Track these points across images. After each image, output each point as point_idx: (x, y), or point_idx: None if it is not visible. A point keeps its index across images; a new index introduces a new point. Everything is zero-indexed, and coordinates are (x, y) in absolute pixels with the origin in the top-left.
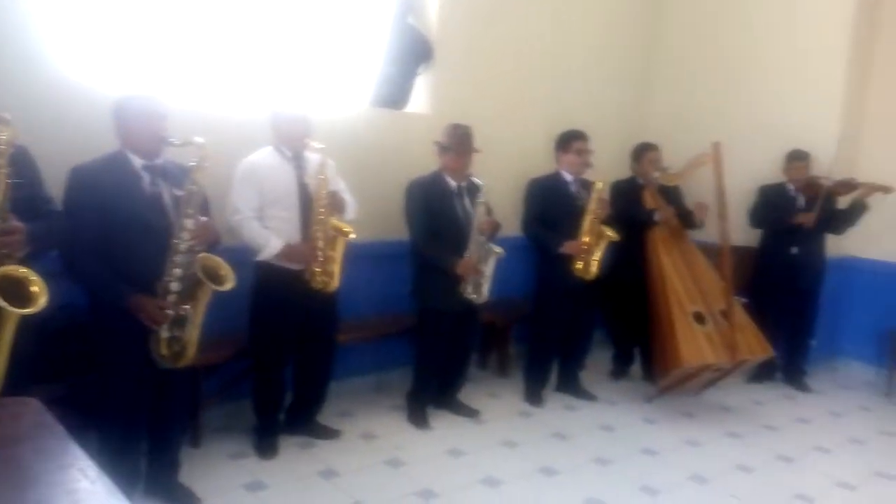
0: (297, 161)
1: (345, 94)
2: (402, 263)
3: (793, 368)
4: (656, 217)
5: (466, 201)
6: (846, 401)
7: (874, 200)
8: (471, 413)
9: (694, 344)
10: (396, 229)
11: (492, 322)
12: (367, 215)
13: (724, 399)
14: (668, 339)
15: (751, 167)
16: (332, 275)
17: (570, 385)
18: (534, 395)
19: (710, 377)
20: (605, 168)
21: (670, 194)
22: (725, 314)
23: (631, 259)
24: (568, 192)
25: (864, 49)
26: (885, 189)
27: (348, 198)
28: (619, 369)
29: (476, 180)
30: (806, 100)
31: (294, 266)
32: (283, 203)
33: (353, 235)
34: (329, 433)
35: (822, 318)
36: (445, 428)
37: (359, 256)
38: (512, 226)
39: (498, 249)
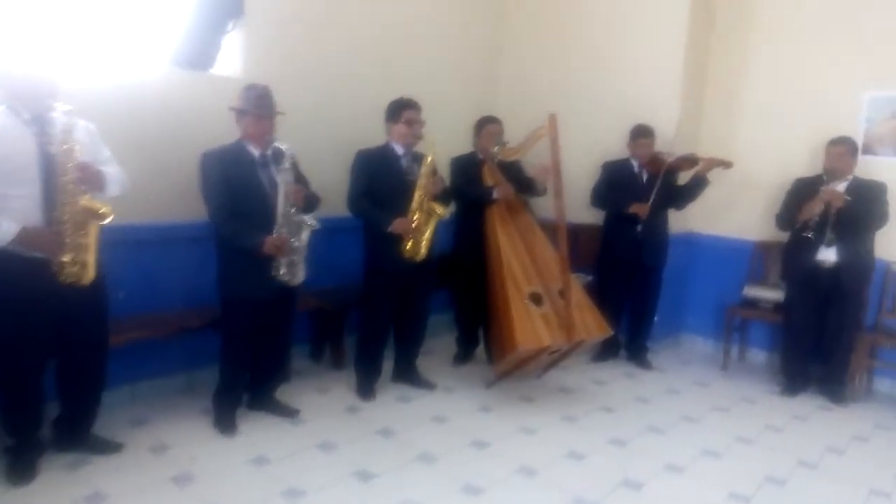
0: (39, 125)
1: (141, 52)
2: (209, 246)
3: (636, 346)
4: (495, 194)
5: (273, 171)
6: (685, 377)
7: (715, 176)
8: (289, 413)
9: (529, 326)
10: (199, 208)
11: (321, 309)
12: (161, 192)
13: (566, 380)
14: (504, 321)
15: (598, 143)
16: (85, 265)
17: (407, 374)
18: (365, 388)
19: (549, 359)
20: (451, 143)
21: (511, 170)
22: (563, 294)
23: (472, 237)
24: (398, 165)
25: (702, 25)
26: (725, 164)
27: (111, 170)
28: (464, 353)
29: (280, 146)
30: (649, 76)
31: (37, 254)
32: (19, 177)
33: (109, 218)
34: (108, 447)
35: (666, 295)
36: (256, 432)
37: (155, 241)
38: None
39: (311, 221)
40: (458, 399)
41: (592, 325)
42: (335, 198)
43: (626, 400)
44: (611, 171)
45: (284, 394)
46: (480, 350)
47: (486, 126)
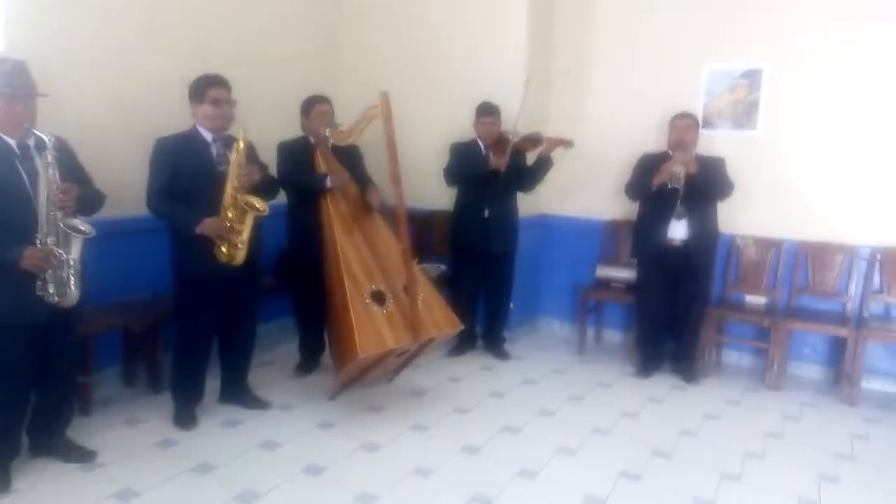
0: None
1: None
2: None
3: (492, 336)
4: (329, 182)
5: (38, 165)
6: (543, 365)
7: (563, 155)
8: (83, 456)
9: (371, 329)
10: None
11: (124, 327)
12: None
13: (419, 381)
14: (344, 325)
15: (446, 123)
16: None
17: (236, 393)
18: (183, 415)
19: (398, 361)
20: (285, 126)
21: (347, 155)
22: (408, 290)
23: (308, 231)
24: (207, 154)
25: (545, 2)
26: (566, 143)
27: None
28: (308, 361)
29: (43, 135)
30: (494, 52)
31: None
32: None
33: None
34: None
35: (521, 280)
36: (39, 485)
37: None
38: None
39: (84, 227)
40: (296, 417)
41: (442, 320)
42: (133, 195)
43: (482, 397)
44: (459, 152)
45: (81, 431)
46: (328, 356)
47: (315, 106)
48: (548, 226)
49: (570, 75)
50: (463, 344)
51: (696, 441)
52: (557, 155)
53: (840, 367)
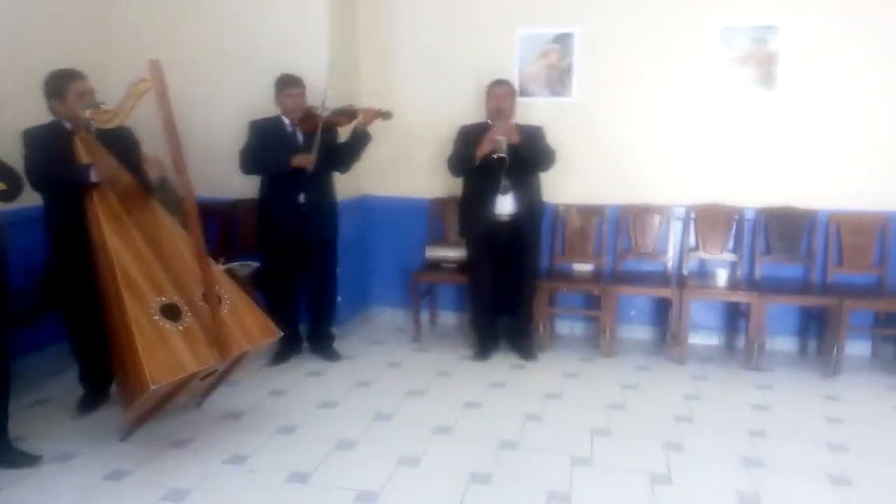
0: None
1: None
2: None
3: (319, 336)
4: (93, 175)
5: None
6: (377, 361)
7: (381, 131)
8: None
9: (164, 353)
10: None
11: None
12: None
13: (235, 401)
14: (128, 352)
15: (245, 100)
16: None
17: None
18: None
19: (205, 384)
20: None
21: (116, 141)
22: (207, 298)
23: (72, 238)
24: None
25: None
26: (384, 114)
27: None
28: (92, 395)
29: None
30: (293, 21)
31: None
32: None
33: None
34: None
35: (347, 269)
36: None
37: None
38: None
39: None
40: (77, 470)
41: (255, 328)
42: None
43: (310, 409)
44: (260, 132)
45: None
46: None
47: (69, 84)
48: (370, 208)
49: (377, 46)
50: (286, 349)
51: (542, 426)
52: (374, 131)
53: (666, 327)
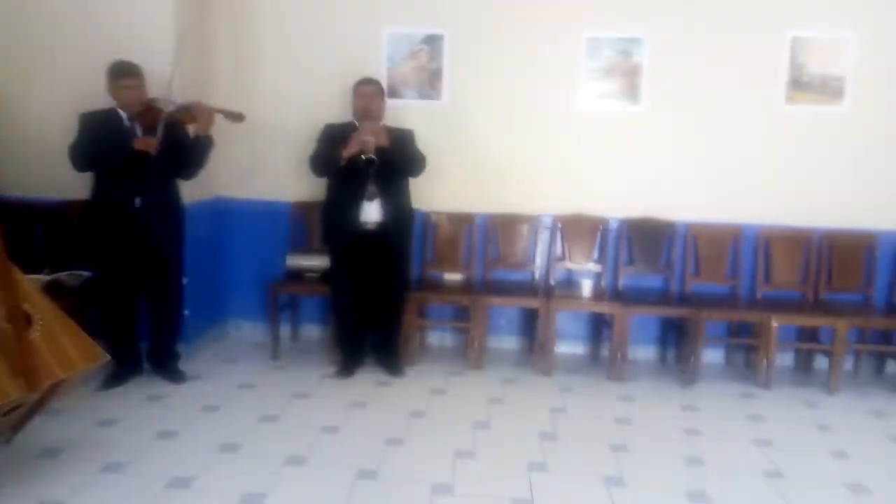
0: None
1: None
2: None
3: (162, 354)
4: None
5: None
6: (229, 382)
7: (236, 130)
8: None
9: None
10: None
11: None
12: None
13: (53, 434)
14: None
15: (76, 91)
16: None
17: None
18: None
19: (12, 418)
20: None
21: None
22: (12, 320)
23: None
24: None
25: None
26: (235, 116)
27: None
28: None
29: None
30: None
31: None
32: None
33: None
34: None
35: (197, 279)
36: None
37: None
38: None
39: None
40: None
41: (76, 353)
42: None
43: (145, 442)
44: (91, 126)
45: None
46: None
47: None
48: (225, 212)
49: (234, 36)
50: (122, 371)
51: (403, 450)
52: (230, 131)
53: (534, 337)
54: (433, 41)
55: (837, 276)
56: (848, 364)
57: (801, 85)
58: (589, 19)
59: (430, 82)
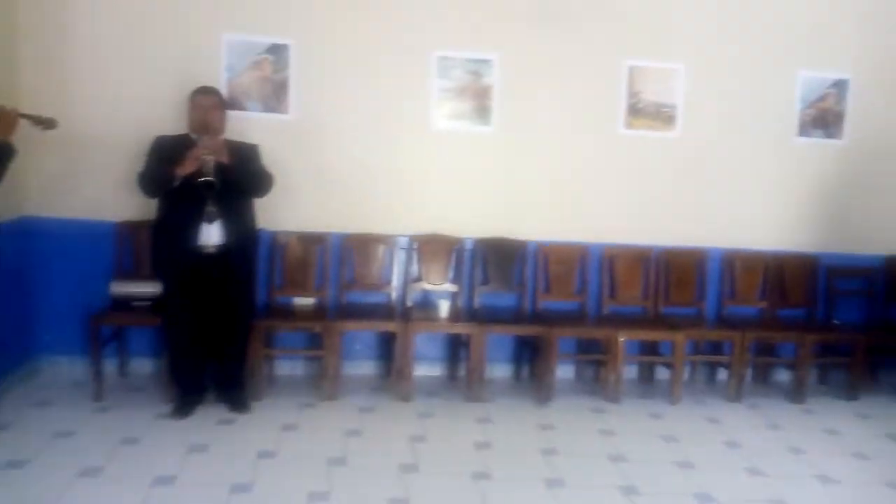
0: None
1: None
2: None
3: None
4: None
5: None
6: (41, 430)
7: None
8: None
9: None
10: None
11: None
12: None
13: None
14: None
15: None
16: None
17: None
18: None
19: None
20: None
21: None
22: None
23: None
24: None
25: None
26: (45, 122)
27: None
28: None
29: None
30: None
31: None
32: None
33: None
34: None
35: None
36: None
37: None
38: None
39: None
40: None
41: None
42: None
43: None
44: None
45: None
46: None
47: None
48: (35, 233)
49: (48, 37)
50: None
51: (251, 498)
52: (41, 140)
53: (391, 361)
54: (278, 51)
55: (674, 291)
56: (685, 373)
57: (637, 111)
58: (440, 38)
59: (275, 94)
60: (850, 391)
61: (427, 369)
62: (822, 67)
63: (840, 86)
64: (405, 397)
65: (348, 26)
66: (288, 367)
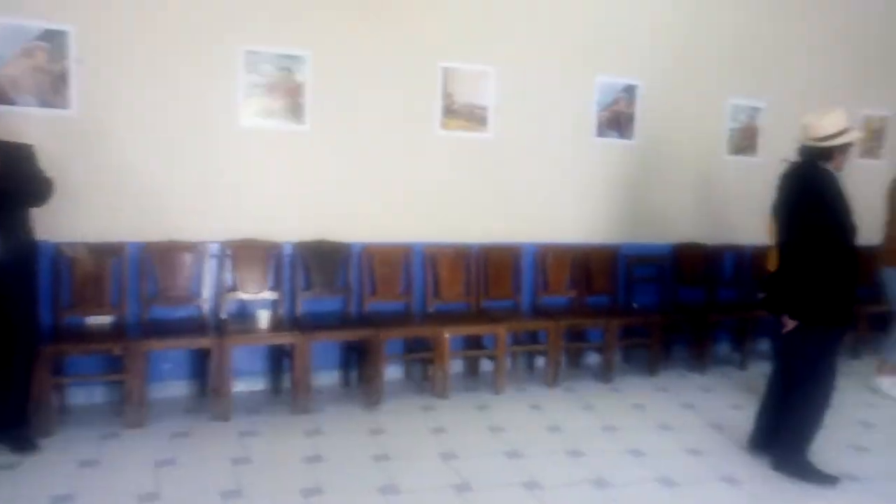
0: None
1: None
2: None
3: None
4: None
5: None
6: None
7: None
8: None
9: None
10: None
11: None
12: None
13: None
14: None
15: None
16: None
17: None
18: None
19: None
20: None
21: None
22: None
23: None
24: None
25: None
26: None
27: None
28: None
29: None
30: None
31: None
32: None
33: None
34: None
35: None
36: None
37: None
38: None
39: None
40: None
41: None
42: None
43: None
44: None
45: None
46: None
47: None
48: None
49: None
50: None
51: None
52: None
53: (206, 379)
54: (55, 38)
55: (493, 286)
56: (507, 363)
57: (452, 112)
58: (247, 32)
59: (53, 87)
60: (650, 368)
61: (247, 384)
62: (615, 73)
63: (630, 91)
64: (224, 417)
65: (140, 13)
66: (83, 396)
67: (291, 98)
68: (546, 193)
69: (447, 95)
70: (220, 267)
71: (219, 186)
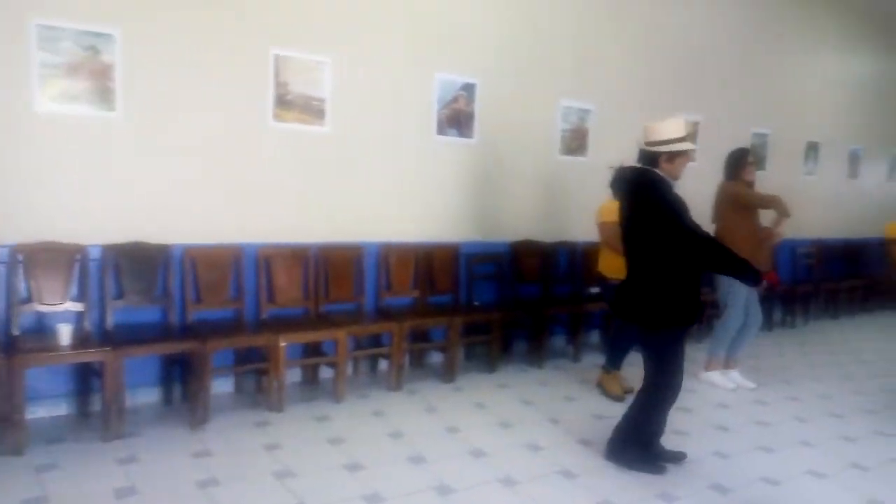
0: None
1: None
2: None
3: None
4: None
5: None
6: None
7: None
8: None
9: None
10: None
11: None
12: None
13: None
14: None
15: None
16: None
17: None
18: None
19: None
20: None
21: None
22: None
23: None
24: None
25: None
26: None
27: None
28: None
29: None
30: None
31: None
32: None
33: None
34: None
35: None
36: None
37: None
38: None
39: None
40: None
41: None
42: None
43: None
44: None
45: None
46: None
47: None
48: None
49: None
50: None
51: None
52: None
53: None
54: None
55: (334, 288)
56: (349, 369)
57: (286, 103)
58: (39, 2)
59: None
60: (491, 364)
61: (48, 410)
62: (455, 71)
63: (469, 89)
64: (16, 450)
65: None
66: None
67: (98, 80)
68: (387, 191)
69: (280, 84)
70: (12, 274)
71: (10, 181)
